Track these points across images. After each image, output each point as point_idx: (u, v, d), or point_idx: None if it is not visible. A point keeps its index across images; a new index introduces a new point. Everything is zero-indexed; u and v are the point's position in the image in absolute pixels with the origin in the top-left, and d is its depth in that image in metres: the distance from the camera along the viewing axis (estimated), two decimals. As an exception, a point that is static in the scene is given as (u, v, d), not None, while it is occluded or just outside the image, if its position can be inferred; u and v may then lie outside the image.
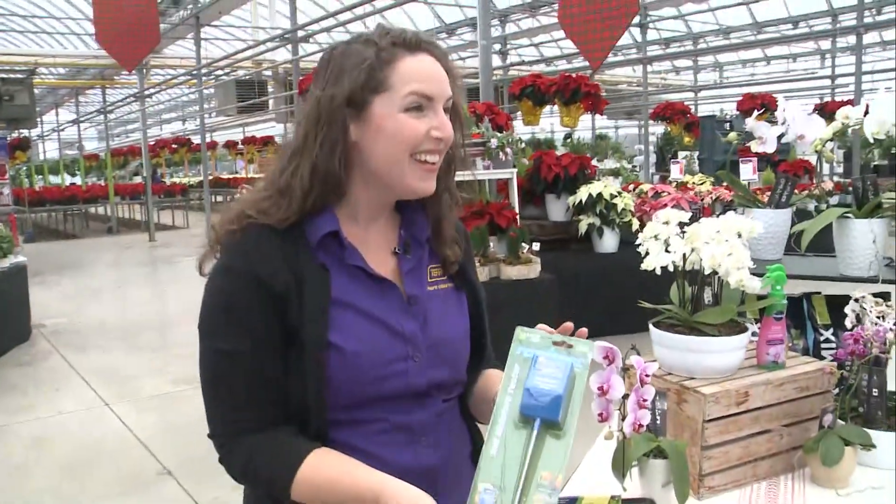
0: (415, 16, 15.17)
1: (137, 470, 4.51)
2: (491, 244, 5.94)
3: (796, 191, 2.69)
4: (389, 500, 1.11)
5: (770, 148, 2.41)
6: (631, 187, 8.91)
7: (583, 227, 6.82)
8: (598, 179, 7.27)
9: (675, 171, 10.98)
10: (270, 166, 1.31)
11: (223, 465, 1.26)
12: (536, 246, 6.04)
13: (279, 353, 1.22)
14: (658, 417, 1.78)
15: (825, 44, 17.50)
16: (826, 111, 12.57)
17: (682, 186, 9.40)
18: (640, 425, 1.61)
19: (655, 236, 1.90)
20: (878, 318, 1.97)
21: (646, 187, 8.86)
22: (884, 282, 2.18)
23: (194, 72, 14.93)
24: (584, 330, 1.24)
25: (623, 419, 1.60)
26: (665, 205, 7.45)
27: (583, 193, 6.74)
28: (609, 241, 6.87)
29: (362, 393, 1.24)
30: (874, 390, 1.95)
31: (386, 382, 1.25)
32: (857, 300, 2.05)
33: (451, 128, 1.26)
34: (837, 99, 14.27)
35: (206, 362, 1.26)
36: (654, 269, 1.86)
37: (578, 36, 5.23)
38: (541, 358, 1.17)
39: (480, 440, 1.44)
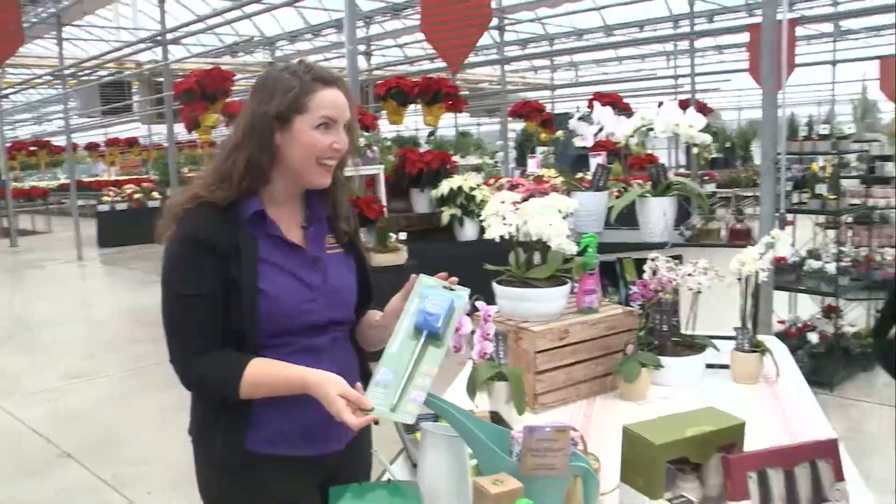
0: (281, 17, 15.42)
1: (37, 455, 4.75)
2: (361, 234, 6.41)
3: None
4: (314, 381, 1.58)
5: (588, 143, 3.00)
6: (492, 181, 9.53)
7: (445, 218, 7.38)
8: (459, 174, 7.85)
9: (532, 166, 11.67)
10: (213, 160, 1.78)
11: (183, 382, 1.69)
12: (403, 235, 6.57)
13: (222, 297, 1.68)
14: (501, 353, 2.31)
15: (669, 46, 18.73)
16: (668, 108, 13.60)
17: (538, 180, 10.08)
18: (485, 353, 2.15)
19: (495, 213, 2.43)
20: (668, 272, 2.57)
21: (504, 181, 9.51)
22: (672, 246, 2.79)
23: (56, 72, 14.69)
24: (455, 278, 1.76)
25: (472, 349, 2.14)
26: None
27: (444, 187, 7.30)
28: (469, 230, 7.46)
29: (281, 325, 1.71)
30: (664, 327, 2.55)
31: (298, 318, 1.73)
32: (653, 260, 2.65)
33: (346, 142, 1.76)
34: (681, 98, 15.38)
35: (169, 305, 1.70)
36: (493, 239, 2.40)
37: (438, 42, 5.74)
38: (432, 293, 1.68)
39: (366, 364, 1.95)
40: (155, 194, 15.31)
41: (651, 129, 2.89)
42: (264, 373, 1.65)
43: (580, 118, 3.01)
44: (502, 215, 2.41)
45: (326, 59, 16.85)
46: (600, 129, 2.96)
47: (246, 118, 1.72)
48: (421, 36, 17.06)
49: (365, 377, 1.89)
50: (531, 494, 1.43)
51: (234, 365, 1.65)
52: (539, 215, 2.38)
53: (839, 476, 1.66)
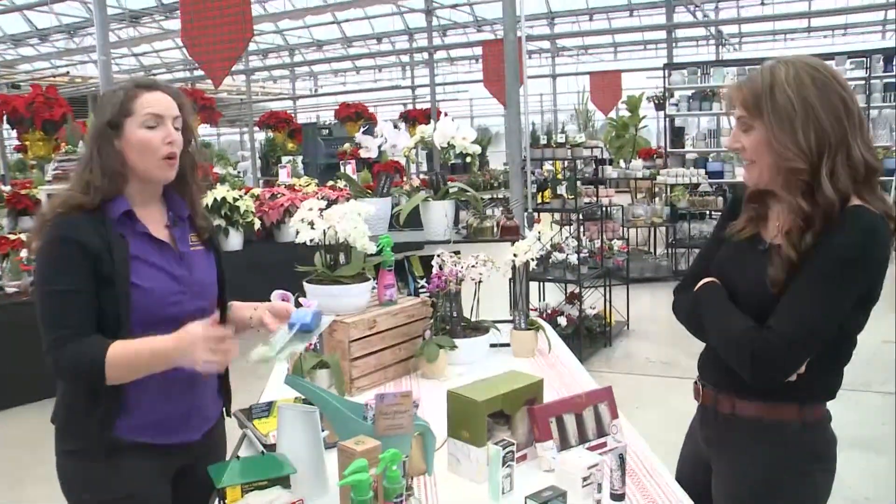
0: (3, 22, 14.40)
1: None
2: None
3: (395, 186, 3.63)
4: (177, 336, 1.75)
5: (374, 154, 3.32)
6: (242, 192, 9.57)
7: (210, 229, 7.40)
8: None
9: (283, 175, 11.81)
10: (75, 171, 1.93)
11: (54, 368, 1.79)
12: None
13: (92, 291, 1.81)
14: (319, 343, 2.56)
15: (406, 58, 19.56)
16: (409, 117, 14.32)
17: (291, 188, 10.25)
18: (310, 344, 2.40)
19: (302, 219, 2.68)
20: (453, 265, 2.93)
21: (257, 191, 9.61)
22: (454, 243, 3.18)
23: None
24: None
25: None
26: (282, 204, 8.30)
27: (208, 198, 7.32)
28: (234, 240, 7.53)
29: (153, 316, 1.86)
30: (454, 313, 2.92)
31: (168, 308, 1.89)
32: (439, 255, 3.01)
33: (177, 136, 1.94)
34: (419, 107, 16.14)
35: (42, 300, 1.81)
36: (304, 243, 2.65)
37: (201, 56, 5.82)
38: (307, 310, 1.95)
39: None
40: None
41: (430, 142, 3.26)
42: (129, 351, 1.77)
43: (364, 132, 3.32)
44: (309, 221, 2.67)
45: (54, 66, 15.99)
46: (384, 142, 3.29)
47: (90, 132, 1.91)
48: (159, 45, 16.73)
49: (225, 378, 2.15)
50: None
51: (98, 348, 1.77)
52: (344, 220, 2.65)
53: (615, 415, 2.10)
